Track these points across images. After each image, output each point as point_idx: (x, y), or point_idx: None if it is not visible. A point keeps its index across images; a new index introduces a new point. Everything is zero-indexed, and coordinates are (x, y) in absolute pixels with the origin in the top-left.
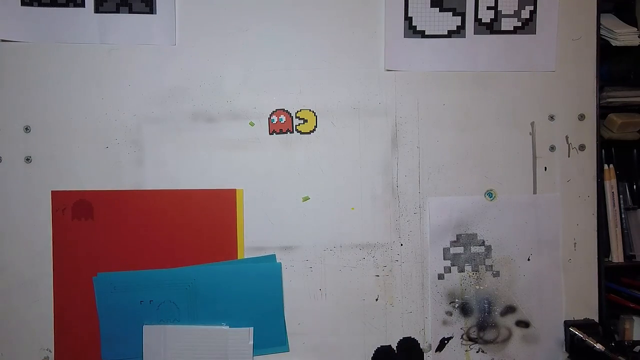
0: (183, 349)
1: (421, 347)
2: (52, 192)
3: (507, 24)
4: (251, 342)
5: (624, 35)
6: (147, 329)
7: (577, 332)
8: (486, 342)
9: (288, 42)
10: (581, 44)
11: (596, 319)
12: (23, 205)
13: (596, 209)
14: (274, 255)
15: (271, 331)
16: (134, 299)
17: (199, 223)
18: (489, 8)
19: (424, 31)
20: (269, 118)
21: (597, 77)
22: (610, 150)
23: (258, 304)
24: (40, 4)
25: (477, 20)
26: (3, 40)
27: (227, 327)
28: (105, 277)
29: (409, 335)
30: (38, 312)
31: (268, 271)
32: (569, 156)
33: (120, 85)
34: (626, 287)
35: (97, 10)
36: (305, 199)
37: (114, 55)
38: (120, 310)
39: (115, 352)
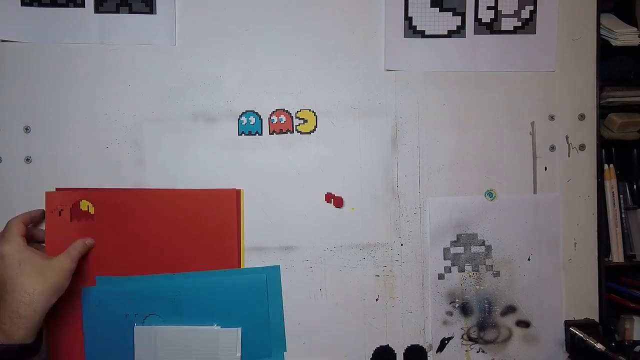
0: (174, 349)
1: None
2: (52, 192)
3: (507, 23)
4: (239, 344)
5: (624, 35)
6: (138, 329)
7: (577, 332)
8: (486, 342)
9: (288, 42)
10: (581, 44)
11: (596, 319)
12: (23, 205)
13: (596, 209)
14: (268, 268)
15: (265, 348)
16: (119, 313)
17: (200, 223)
18: (489, 8)
19: (424, 31)
20: (269, 118)
21: (597, 77)
22: (610, 150)
23: (250, 318)
24: (40, 4)
25: (477, 20)
26: (3, 41)
27: (218, 328)
28: (90, 290)
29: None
30: None
31: (260, 283)
32: (569, 156)
33: (120, 85)
34: (626, 287)
35: (97, 11)
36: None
37: (114, 55)
38: (105, 327)
39: None
